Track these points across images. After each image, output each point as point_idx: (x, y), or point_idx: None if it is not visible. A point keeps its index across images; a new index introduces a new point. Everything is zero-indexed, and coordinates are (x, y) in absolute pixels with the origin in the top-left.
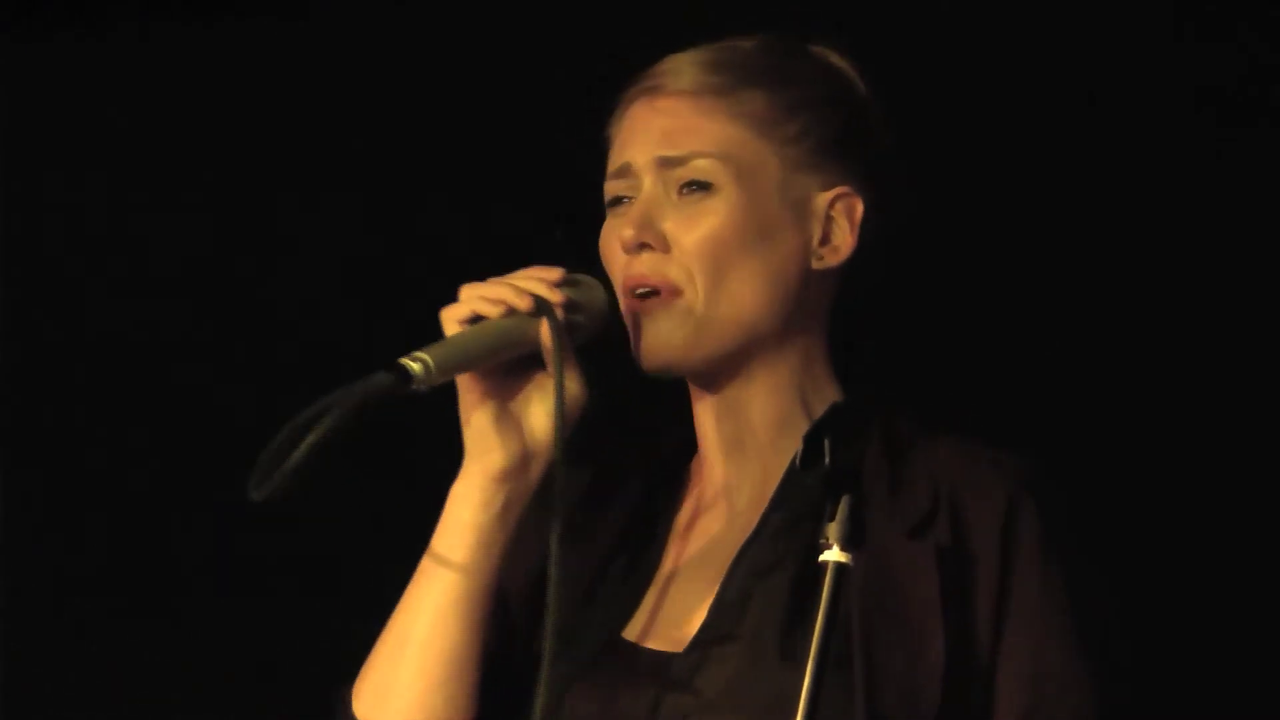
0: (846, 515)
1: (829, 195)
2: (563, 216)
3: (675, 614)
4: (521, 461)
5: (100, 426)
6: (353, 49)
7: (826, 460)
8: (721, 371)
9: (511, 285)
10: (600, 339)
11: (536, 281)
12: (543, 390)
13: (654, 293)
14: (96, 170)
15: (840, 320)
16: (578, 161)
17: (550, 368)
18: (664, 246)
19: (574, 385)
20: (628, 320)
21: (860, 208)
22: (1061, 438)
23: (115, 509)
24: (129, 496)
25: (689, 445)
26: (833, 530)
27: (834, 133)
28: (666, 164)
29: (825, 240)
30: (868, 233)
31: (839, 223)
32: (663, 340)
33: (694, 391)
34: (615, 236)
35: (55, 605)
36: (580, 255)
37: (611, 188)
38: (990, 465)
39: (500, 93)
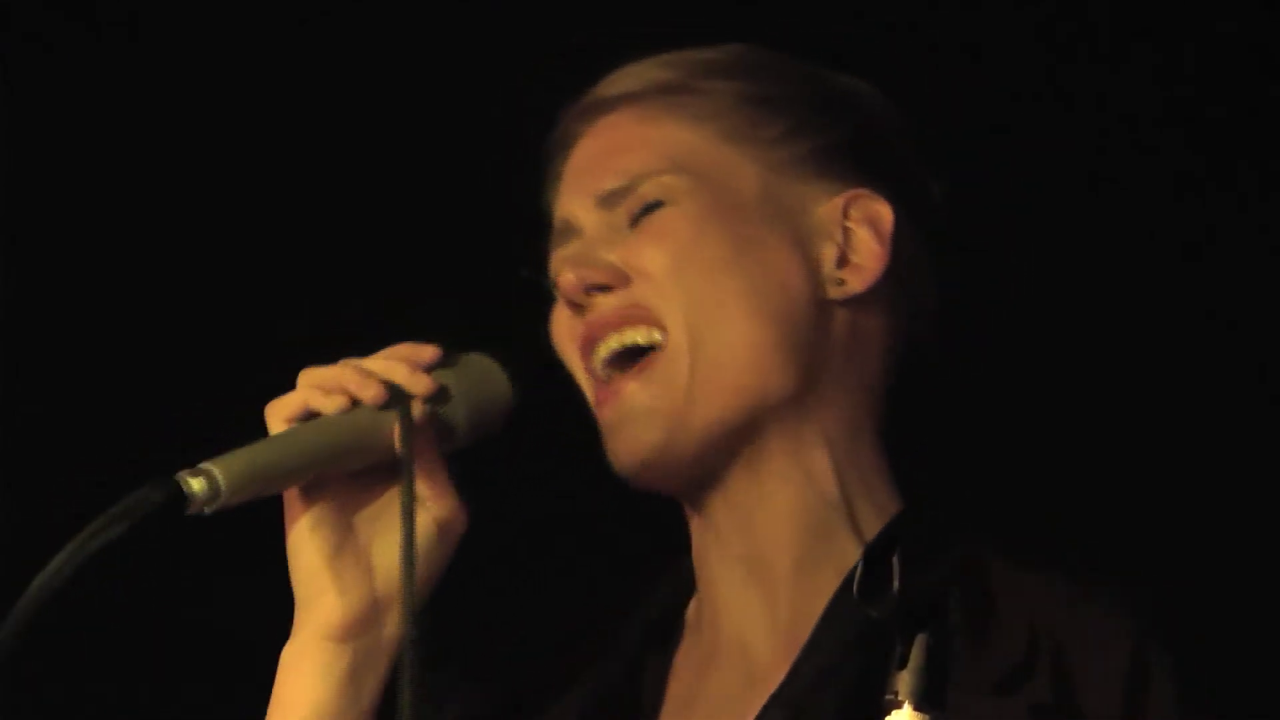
0: (923, 662)
1: (840, 200)
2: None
3: None
4: (370, 611)
5: (100, 427)
6: (360, 51)
7: (895, 586)
8: (719, 463)
9: (360, 370)
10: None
11: (398, 364)
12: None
13: (624, 351)
14: (98, 171)
15: (897, 398)
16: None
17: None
18: (621, 280)
19: (442, 506)
20: (597, 415)
21: (888, 213)
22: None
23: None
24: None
25: (683, 584)
26: (904, 682)
27: (839, 137)
28: (610, 200)
29: (844, 261)
30: (906, 248)
31: (858, 234)
32: (640, 421)
33: (687, 505)
34: (560, 308)
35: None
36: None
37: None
38: (1107, 609)
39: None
